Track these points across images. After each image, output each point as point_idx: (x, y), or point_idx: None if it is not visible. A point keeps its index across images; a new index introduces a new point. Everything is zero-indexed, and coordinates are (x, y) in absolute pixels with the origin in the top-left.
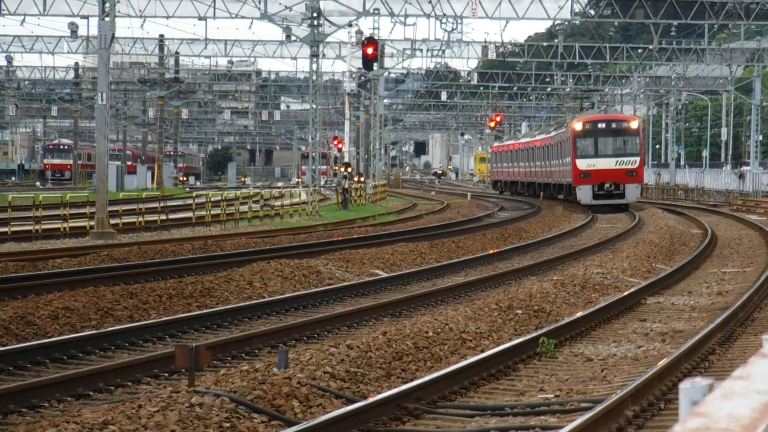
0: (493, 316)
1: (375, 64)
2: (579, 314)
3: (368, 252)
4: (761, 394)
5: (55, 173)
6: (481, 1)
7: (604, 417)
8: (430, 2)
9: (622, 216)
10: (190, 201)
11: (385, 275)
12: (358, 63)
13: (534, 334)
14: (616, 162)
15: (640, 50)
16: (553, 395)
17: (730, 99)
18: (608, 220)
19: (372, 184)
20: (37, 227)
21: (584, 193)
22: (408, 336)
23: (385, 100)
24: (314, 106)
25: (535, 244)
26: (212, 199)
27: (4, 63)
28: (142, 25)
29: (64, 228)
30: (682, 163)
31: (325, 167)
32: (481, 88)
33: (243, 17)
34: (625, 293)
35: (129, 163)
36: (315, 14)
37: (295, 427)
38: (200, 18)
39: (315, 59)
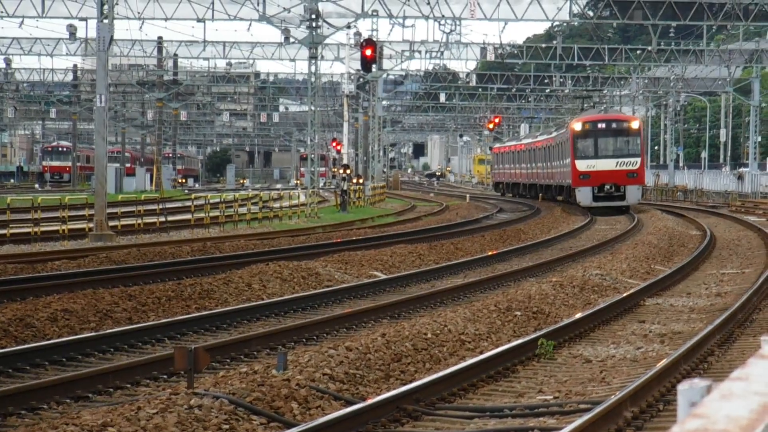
0: (491, 317)
1: (373, 65)
2: (578, 316)
3: (367, 254)
4: (759, 396)
5: (53, 175)
6: (479, 3)
7: (603, 418)
8: (428, 4)
9: (621, 217)
10: (188, 203)
11: (383, 277)
12: (357, 65)
13: (533, 336)
14: (617, 163)
15: (638, 51)
16: (552, 397)
17: (728, 100)
18: (607, 221)
19: (371, 185)
20: (35, 229)
21: (584, 195)
22: (407, 338)
23: (384, 102)
24: (313, 107)
25: (534, 246)
26: (211, 201)
27: (3, 65)
28: (140, 27)
29: (63, 230)
30: (680, 164)
31: (323, 169)
32: (480, 89)
33: (241, 19)
34: (624, 294)
35: (128, 165)
36: (313, 16)
37: (294, 429)
38: (199, 20)
39: (313, 61)
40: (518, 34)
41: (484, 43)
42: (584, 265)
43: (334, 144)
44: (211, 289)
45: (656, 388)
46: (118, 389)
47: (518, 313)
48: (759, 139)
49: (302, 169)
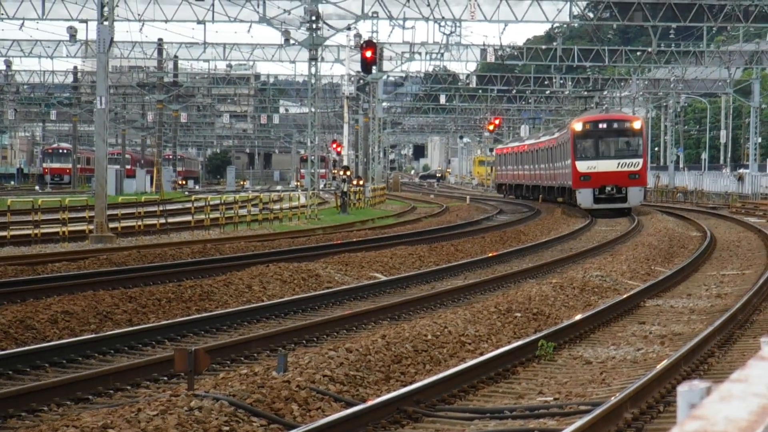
0: (492, 319)
1: (374, 67)
2: (578, 317)
3: (367, 255)
4: (759, 397)
5: (54, 177)
6: (479, 5)
7: (603, 420)
8: (428, 5)
9: (621, 219)
10: (189, 205)
11: (384, 278)
12: (357, 66)
13: (533, 337)
14: (618, 164)
15: (638, 53)
16: (552, 398)
17: (728, 101)
18: (607, 223)
19: (371, 187)
20: (36, 231)
21: (584, 197)
22: (407, 339)
23: (384, 104)
24: (313, 109)
25: (534, 247)
26: (211, 202)
27: (3, 67)
28: (140, 29)
29: (63, 232)
30: (681, 165)
31: (324, 171)
32: (480, 91)
33: (242, 21)
34: (624, 296)
35: (128, 166)
36: (314, 18)
37: (295, 431)
38: (199, 22)
39: (314, 63)
40: (518, 35)
41: (484, 45)
42: (584, 267)
43: (334, 146)
44: (211, 290)
45: (656, 389)
46: (119, 391)
47: (518, 314)
48: (759, 140)
49: (302, 170)
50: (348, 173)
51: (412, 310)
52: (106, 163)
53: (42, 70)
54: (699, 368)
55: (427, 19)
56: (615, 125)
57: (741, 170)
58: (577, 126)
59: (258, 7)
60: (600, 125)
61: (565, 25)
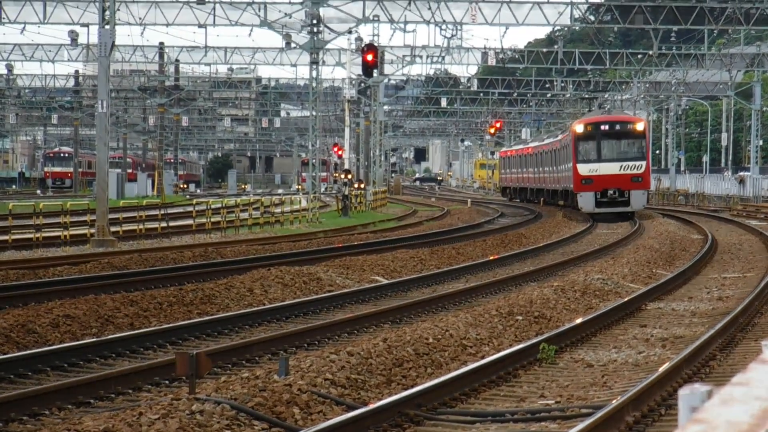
0: (493, 322)
1: (375, 70)
2: (579, 320)
3: (368, 259)
4: (760, 401)
5: (55, 181)
6: (480, 8)
7: (605, 423)
8: (429, 9)
9: (623, 222)
10: (190, 208)
11: (385, 282)
12: (358, 70)
13: (534, 340)
14: (621, 167)
15: (639, 56)
16: (553, 401)
17: (730, 104)
18: (608, 226)
19: (372, 190)
20: (37, 235)
21: (586, 201)
22: (408, 342)
23: (385, 107)
24: (314, 113)
25: (535, 250)
26: (212, 206)
27: (5, 71)
28: (142, 33)
29: (65, 236)
30: (682, 168)
31: (325, 174)
32: (481, 94)
33: (243, 24)
34: (626, 299)
35: (129, 170)
36: (315, 21)
37: None
38: (200, 25)
39: (315, 66)
40: (519, 38)
41: (485, 48)
42: (586, 270)
43: (335, 149)
44: (212, 294)
45: (658, 392)
46: (120, 395)
47: (520, 317)
48: (760, 143)
49: (303, 174)
50: (349, 176)
51: (414, 313)
52: (108, 167)
53: (43, 74)
54: (700, 371)
55: (428, 23)
56: (617, 126)
57: (742, 173)
58: (579, 127)
59: (259, 10)
60: (602, 126)
61: (566, 28)
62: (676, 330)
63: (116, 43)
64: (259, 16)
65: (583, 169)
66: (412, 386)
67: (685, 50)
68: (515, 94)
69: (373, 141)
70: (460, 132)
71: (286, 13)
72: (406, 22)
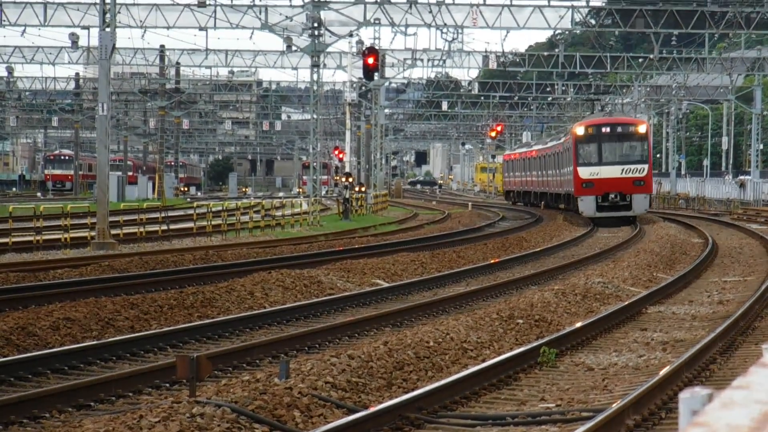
0: (494, 325)
1: (376, 74)
2: (580, 324)
3: (369, 262)
4: (760, 404)
5: (55, 184)
6: (481, 11)
7: (605, 426)
8: (430, 12)
9: (623, 226)
10: (191, 211)
11: (386, 285)
12: (359, 73)
13: (535, 344)
14: (622, 170)
15: (640, 59)
16: (554, 405)
17: (730, 108)
18: (609, 229)
19: (373, 193)
20: (37, 238)
21: (587, 205)
22: (409, 346)
23: (386, 110)
24: (315, 116)
25: (536, 254)
26: (213, 209)
27: (5, 74)
28: (142, 36)
29: (65, 238)
30: (682, 172)
31: (326, 177)
32: (482, 97)
33: (244, 27)
34: (626, 302)
35: (130, 173)
36: (316, 24)
37: None
38: (201, 28)
39: (316, 69)
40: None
41: (486, 51)
42: (586, 273)
43: (336, 152)
44: (213, 297)
45: (658, 396)
46: (120, 398)
47: (520, 321)
48: (761, 147)
49: (304, 177)
50: (350, 180)
51: (414, 316)
52: (108, 169)
53: (44, 77)
54: (701, 375)
55: (429, 26)
56: (619, 129)
57: (743, 177)
58: (579, 130)
59: (260, 13)
60: (603, 129)
61: (567, 32)
62: (677, 333)
63: (117, 45)
64: (260, 19)
65: (584, 172)
66: (413, 389)
67: (686, 54)
68: (516, 98)
69: (374, 144)
70: (461, 135)
71: (287, 16)
72: (407, 26)
